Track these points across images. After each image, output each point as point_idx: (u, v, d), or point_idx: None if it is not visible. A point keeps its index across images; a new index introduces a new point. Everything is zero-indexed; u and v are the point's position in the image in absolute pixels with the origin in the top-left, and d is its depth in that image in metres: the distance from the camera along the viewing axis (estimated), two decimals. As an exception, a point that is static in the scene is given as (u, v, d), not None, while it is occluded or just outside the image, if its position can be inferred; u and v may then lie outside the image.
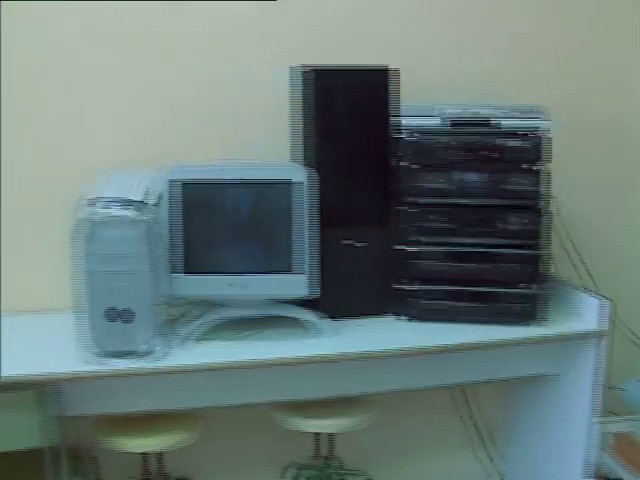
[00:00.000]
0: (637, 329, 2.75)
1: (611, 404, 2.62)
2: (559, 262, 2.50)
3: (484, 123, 2.30)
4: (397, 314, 2.36)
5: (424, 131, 2.30)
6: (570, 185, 2.48)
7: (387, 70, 2.30)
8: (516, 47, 2.69)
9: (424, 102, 2.31)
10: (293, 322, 2.23)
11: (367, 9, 2.52)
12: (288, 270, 2.17)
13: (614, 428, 2.24)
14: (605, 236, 2.91)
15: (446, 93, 2.49)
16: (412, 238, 2.32)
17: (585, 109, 2.78)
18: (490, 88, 2.61)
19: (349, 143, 2.31)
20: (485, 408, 2.90)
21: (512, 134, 2.30)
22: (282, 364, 2.05)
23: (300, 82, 2.32)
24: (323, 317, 2.23)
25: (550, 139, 2.29)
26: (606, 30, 2.81)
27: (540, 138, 2.28)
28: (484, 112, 2.30)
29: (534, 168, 2.30)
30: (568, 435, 2.49)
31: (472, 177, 2.31)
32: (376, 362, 2.18)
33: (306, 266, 2.17)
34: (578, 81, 2.78)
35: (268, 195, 2.19)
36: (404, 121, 2.29)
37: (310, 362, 2.07)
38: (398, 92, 2.31)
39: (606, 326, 2.32)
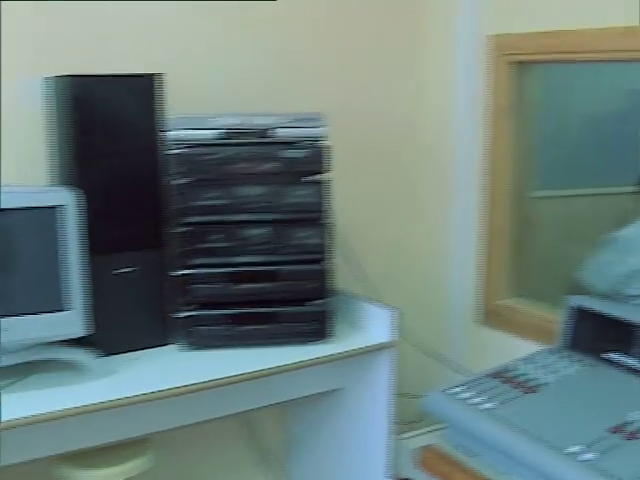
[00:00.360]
0: (426, 337, 2.74)
1: (410, 414, 2.61)
2: (341, 275, 2.40)
3: (261, 133, 2.16)
4: (179, 343, 2.19)
5: (196, 144, 2.13)
6: (345, 194, 2.37)
7: (153, 76, 2.09)
8: (290, 53, 2.56)
9: (195, 112, 2.14)
10: (63, 364, 2.00)
11: (127, 14, 2.28)
12: (59, 308, 1.94)
13: (418, 441, 2.21)
14: (385, 247, 2.87)
15: (219, 103, 2.31)
16: (189, 261, 2.15)
17: (361, 116, 2.71)
18: (265, 96, 2.46)
19: (114, 160, 2.07)
20: (272, 427, 2.81)
21: (291, 144, 2.17)
22: (45, 420, 1.82)
23: (55, 93, 2.09)
24: (97, 355, 2.02)
25: (329, 147, 2.18)
26: (385, 37, 2.74)
27: (321, 147, 2.17)
28: (260, 121, 2.16)
29: (316, 179, 2.19)
30: (357, 448, 2.45)
31: (251, 191, 2.17)
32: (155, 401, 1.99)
33: (79, 301, 1.95)
34: (355, 88, 2.70)
35: (28, 224, 1.92)
36: (174, 134, 2.12)
37: (79, 413, 1.86)
38: (164, 100, 2.11)
39: (393, 337, 2.27)
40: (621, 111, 3.53)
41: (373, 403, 2.37)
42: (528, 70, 2.55)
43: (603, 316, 2.08)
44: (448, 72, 2.76)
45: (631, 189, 3.31)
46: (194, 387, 1.96)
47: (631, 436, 1.64)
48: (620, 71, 2.89)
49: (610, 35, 2.17)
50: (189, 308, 2.17)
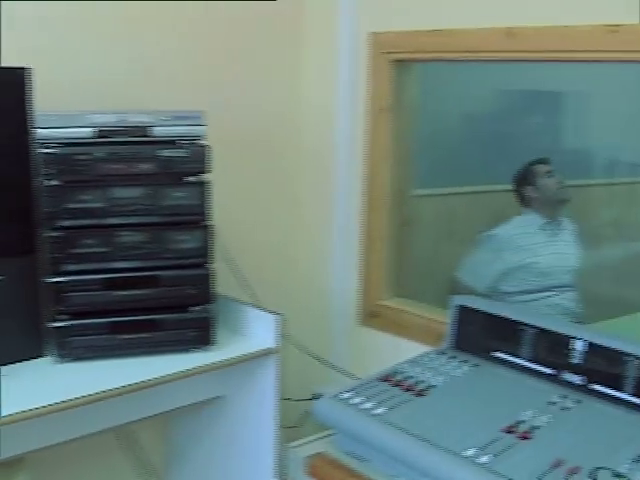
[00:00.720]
0: (308, 342, 2.71)
1: (292, 418, 2.57)
2: (222, 279, 2.32)
3: (138, 132, 2.06)
4: (54, 355, 2.06)
5: (68, 143, 2.00)
6: (225, 196, 2.29)
7: (20, 70, 1.94)
8: (167, 49, 2.46)
9: (67, 109, 2.02)
10: None
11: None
12: None
13: (308, 449, 2.17)
14: (266, 249, 2.82)
15: (92, 100, 2.20)
16: (62, 267, 2.02)
17: (241, 116, 2.64)
18: (142, 93, 2.36)
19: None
20: (153, 438, 2.71)
21: (170, 143, 2.08)
22: None
23: None
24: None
25: (209, 147, 2.10)
26: (265, 34, 2.68)
27: (201, 147, 2.09)
28: (137, 119, 2.06)
29: (196, 180, 2.11)
30: (243, 456, 2.39)
31: (128, 193, 2.06)
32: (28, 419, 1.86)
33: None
34: (234, 86, 2.63)
35: None
36: (44, 132, 1.98)
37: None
38: (33, 96, 1.97)
39: (277, 342, 2.21)
40: (498, 111, 3.62)
41: (258, 409, 2.30)
42: (408, 69, 2.54)
43: (488, 315, 2.08)
44: (330, 71, 2.72)
45: (507, 187, 3.39)
46: (70, 403, 1.84)
47: (524, 435, 1.64)
48: (498, 72, 2.94)
49: (493, 35, 2.18)
50: (64, 317, 2.04)
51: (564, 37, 2.06)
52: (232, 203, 2.50)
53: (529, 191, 3.31)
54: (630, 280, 3.71)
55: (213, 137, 2.13)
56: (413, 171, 2.69)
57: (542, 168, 3.32)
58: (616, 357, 1.82)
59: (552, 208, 3.31)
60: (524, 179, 3.33)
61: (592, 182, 3.84)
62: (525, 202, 3.32)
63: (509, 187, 3.35)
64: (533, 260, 3.21)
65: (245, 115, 2.66)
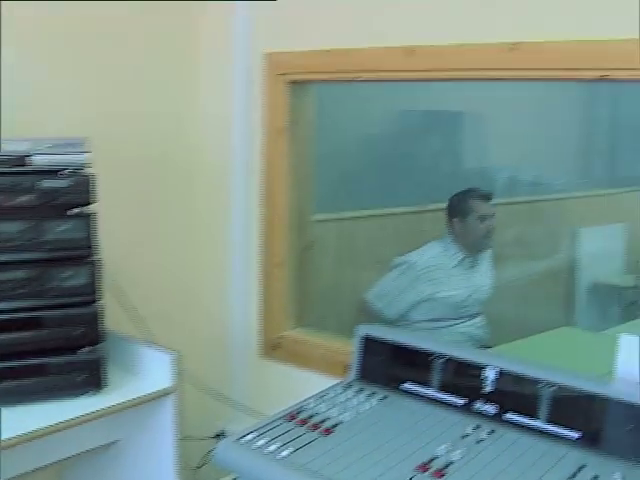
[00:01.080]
0: (208, 377, 2.58)
1: (195, 458, 2.45)
2: (113, 317, 2.19)
3: (16, 161, 1.92)
4: None
5: None
6: (113, 227, 2.17)
7: None
8: (56, 69, 2.31)
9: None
10: None
11: None
12: None
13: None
14: (159, 283, 2.68)
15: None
16: None
17: (130, 142, 2.49)
18: (20, 119, 2.20)
19: None
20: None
21: (51, 172, 1.94)
22: None
23: None
24: None
25: (94, 175, 1.97)
26: (156, 55, 2.56)
27: (85, 176, 1.96)
28: (14, 147, 1.92)
29: (81, 211, 1.98)
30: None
31: (6, 228, 1.91)
32: None
33: None
34: (122, 111, 2.47)
35: None
36: None
37: None
38: None
39: (173, 381, 2.09)
40: (398, 131, 3.58)
41: (156, 452, 2.18)
42: (305, 90, 2.47)
43: (394, 345, 1.99)
44: (226, 91, 2.62)
45: (408, 209, 3.33)
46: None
47: (439, 474, 1.55)
48: (398, 91, 2.90)
49: (391, 54, 2.12)
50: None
51: (463, 55, 2.02)
52: (122, 232, 2.37)
53: (456, 223, 3.19)
54: (531, 301, 3.71)
55: (101, 163, 2.00)
56: (313, 194, 2.61)
57: (479, 207, 3.18)
58: (528, 384, 1.76)
59: (473, 248, 3.21)
60: (456, 208, 3.21)
61: (493, 202, 3.83)
62: (449, 228, 3.20)
63: (410, 209, 3.29)
64: (448, 294, 3.14)
65: (135, 140, 2.51)
